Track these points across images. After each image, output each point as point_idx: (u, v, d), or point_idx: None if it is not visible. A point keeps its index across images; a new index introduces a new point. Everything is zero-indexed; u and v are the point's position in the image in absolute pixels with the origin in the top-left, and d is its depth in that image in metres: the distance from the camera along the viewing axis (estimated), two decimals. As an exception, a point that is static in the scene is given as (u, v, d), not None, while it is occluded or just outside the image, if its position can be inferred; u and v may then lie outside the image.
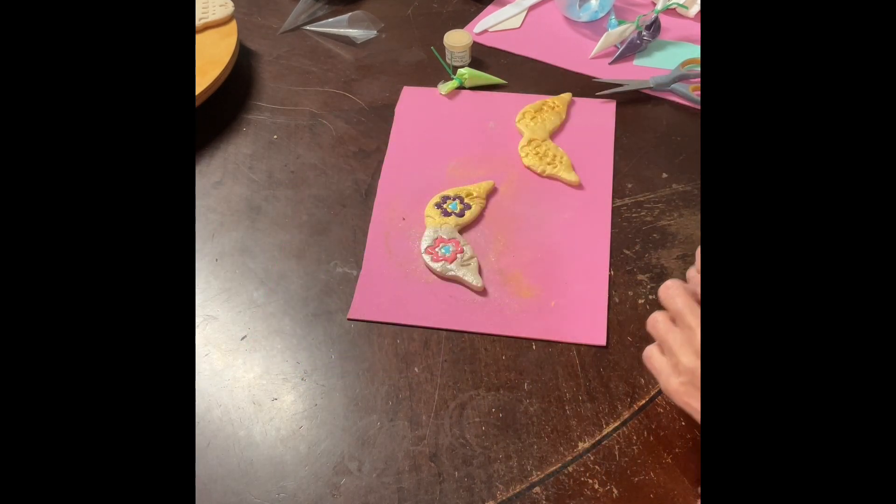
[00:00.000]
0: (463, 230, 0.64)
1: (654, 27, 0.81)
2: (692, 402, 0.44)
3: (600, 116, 0.73)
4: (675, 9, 0.84)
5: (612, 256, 0.62)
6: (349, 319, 0.59)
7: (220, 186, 0.70)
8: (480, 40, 0.83)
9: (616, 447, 0.51)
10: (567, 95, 0.75)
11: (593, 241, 0.63)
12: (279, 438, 0.53)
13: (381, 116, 0.75)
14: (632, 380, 0.54)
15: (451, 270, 0.60)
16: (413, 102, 0.76)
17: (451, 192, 0.66)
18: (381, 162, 0.70)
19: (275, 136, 0.74)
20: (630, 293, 0.59)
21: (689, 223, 0.64)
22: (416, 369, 0.55)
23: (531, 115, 0.73)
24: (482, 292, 0.60)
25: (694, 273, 0.49)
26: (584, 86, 0.77)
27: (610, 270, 0.61)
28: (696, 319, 0.44)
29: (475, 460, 0.51)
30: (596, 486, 0.49)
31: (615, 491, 0.49)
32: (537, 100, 0.74)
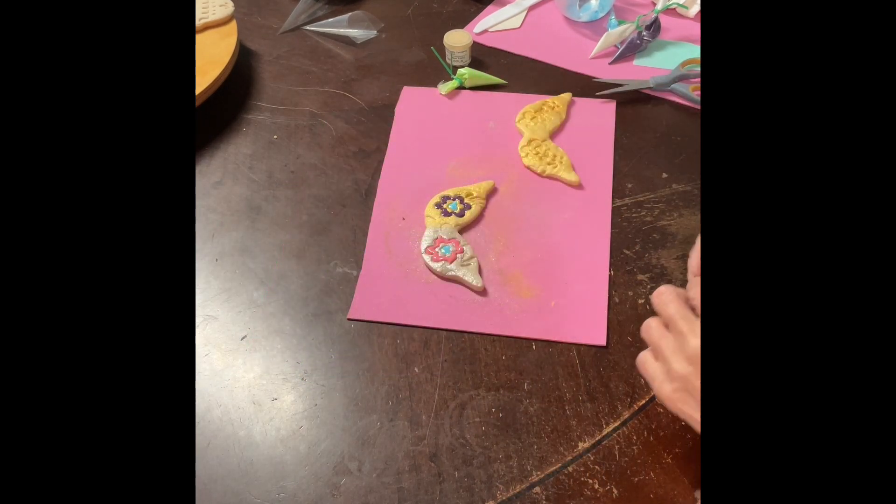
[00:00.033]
0: (463, 230, 0.64)
1: (654, 27, 0.81)
2: (685, 409, 0.44)
3: (600, 116, 0.73)
4: (675, 9, 0.84)
5: (612, 256, 0.62)
6: (349, 319, 0.59)
7: (220, 186, 0.70)
8: (480, 40, 0.83)
9: (616, 447, 0.51)
10: (567, 95, 0.75)
11: (593, 241, 0.63)
12: (279, 438, 0.53)
13: (381, 116, 0.75)
14: (632, 380, 0.54)
15: (451, 270, 0.60)
16: (413, 102, 0.76)
17: (451, 192, 0.66)
18: (381, 162, 0.70)
19: (275, 136, 0.74)
20: (630, 293, 0.59)
21: (689, 223, 0.64)
22: (416, 369, 0.55)
23: (531, 115, 0.73)
24: (482, 292, 0.60)
25: (693, 276, 0.49)
26: (584, 86, 0.77)
27: (610, 270, 0.61)
28: (688, 325, 0.44)
29: (475, 460, 0.51)
30: (596, 486, 0.49)
31: (615, 491, 0.49)
32: (537, 100, 0.74)
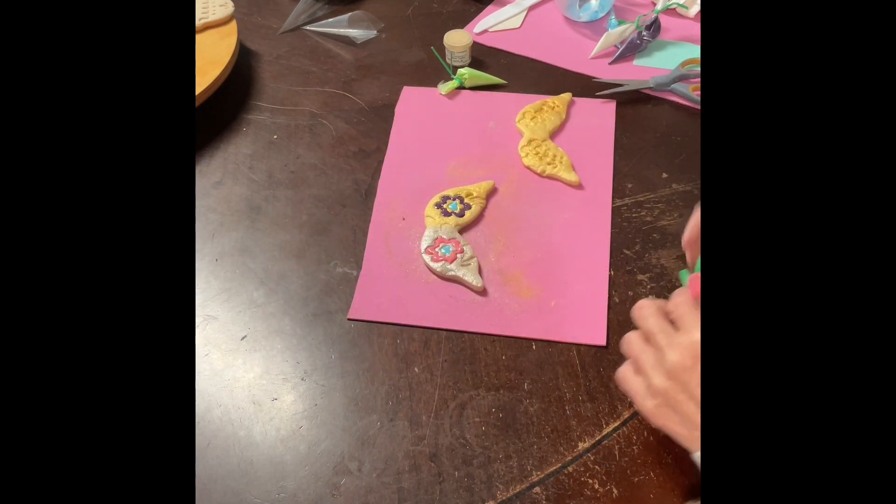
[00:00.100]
0: (463, 230, 0.64)
1: (654, 27, 0.81)
2: (669, 424, 0.44)
3: (600, 116, 0.74)
4: (675, 9, 0.84)
5: (612, 256, 0.62)
6: (349, 319, 0.59)
7: (220, 186, 0.70)
8: (480, 40, 0.83)
9: (616, 447, 0.51)
10: (567, 95, 0.75)
11: (593, 241, 0.63)
12: (279, 438, 0.53)
13: (381, 116, 0.75)
14: (632, 380, 0.54)
15: (451, 270, 0.60)
16: (413, 102, 0.76)
17: (451, 192, 0.66)
18: (381, 162, 0.70)
19: (275, 136, 0.74)
20: (630, 293, 0.59)
21: (689, 223, 0.64)
22: (416, 369, 0.55)
23: (531, 115, 0.73)
24: (482, 292, 0.60)
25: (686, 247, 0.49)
26: (584, 86, 0.77)
27: (610, 270, 0.61)
28: (666, 339, 0.44)
29: (475, 460, 0.51)
30: (596, 486, 0.49)
31: (615, 491, 0.49)
32: (537, 100, 0.74)
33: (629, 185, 0.67)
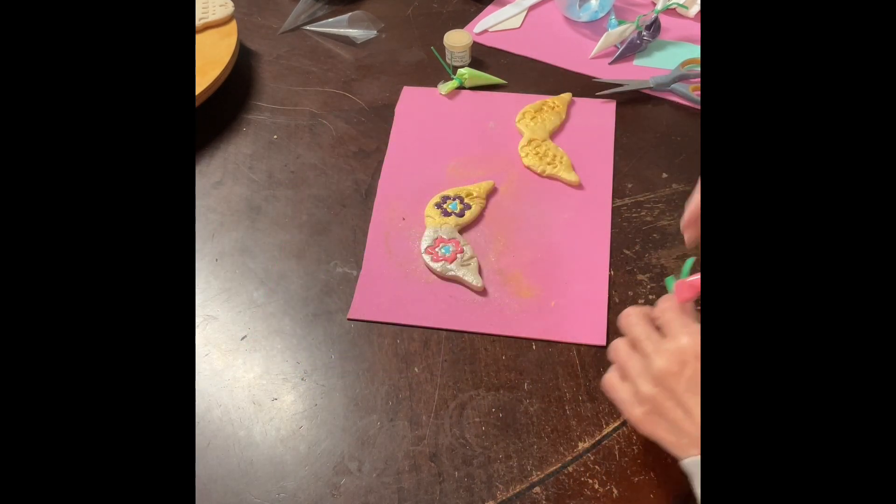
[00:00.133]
0: (463, 230, 0.64)
1: (654, 27, 0.81)
2: (657, 431, 0.44)
3: (600, 116, 0.74)
4: (675, 9, 0.84)
5: (612, 256, 0.62)
6: (349, 319, 0.59)
7: (220, 186, 0.70)
8: (480, 40, 0.83)
9: (616, 447, 0.51)
10: (567, 95, 0.75)
11: (593, 241, 0.63)
12: (279, 438, 0.53)
13: (381, 116, 0.75)
14: (632, 380, 0.54)
15: (451, 270, 0.60)
16: (413, 102, 0.76)
17: (451, 192, 0.66)
18: (381, 162, 0.70)
19: (275, 136, 0.74)
20: (630, 293, 0.59)
21: (689, 223, 0.64)
22: (416, 369, 0.55)
23: (531, 115, 0.73)
24: (482, 292, 0.60)
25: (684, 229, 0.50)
26: (584, 86, 0.77)
27: (610, 270, 0.61)
28: (653, 345, 0.45)
29: (475, 460, 0.51)
30: (596, 486, 0.49)
31: (615, 491, 0.49)
32: (537, 100, 0.74)
33: (629, 185, 0.67)
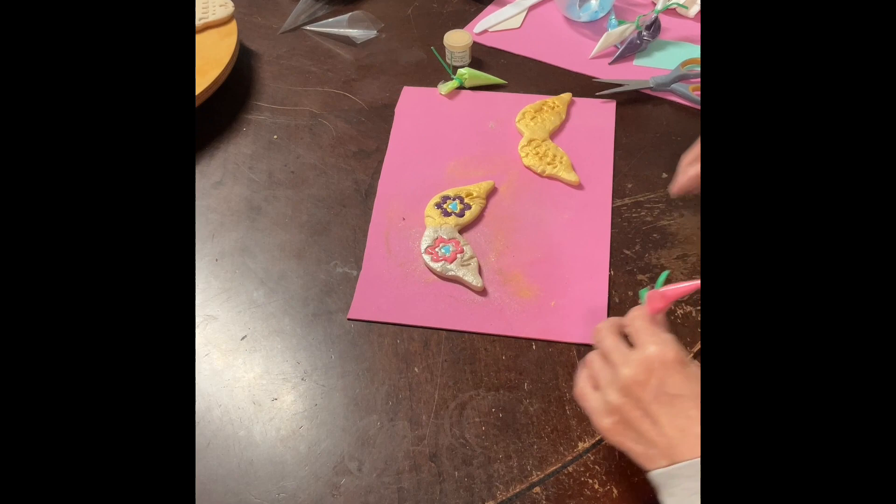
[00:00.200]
0: (463, 230, 0.64)
1: (654, 27, 0.81)
2: (625, 441, 0.44)
3: (600, 116, 0.74)
4: (675, 9, 0.84)
5: (612, 256, 0.62)
6: (349, 319, 0.59)
7: (220, 186, 0.70)
8: (480, 40, 0.83)
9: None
10: (567, 95, 0.75)
11: (593, 241, 0.63)
12: (279, 438, 0.53)
13: (381, 116, 0.75)
14: (632, 380, 0.54)
15: (451, 270, 0.60)
16: (413, 102, 0.76)
17: (451, 192, 0.66)
18: (381, 162, 0.70)
19: (275, 136, 0.74)
20: (630, 293, 0.59)
21: (689, 223, 0.64)
22: (416, 369, 0.55)
23: (531, 115, 0.73)
24: (482, 292, 0.60)
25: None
26: (584, 86, 0.77)
27: (610, 270, 0.61)
28: (621, 356, 0.45)
29: (475, 460, 0.51)
30: (596, 486, 0.49)
31: (615, 491, 0.49)
32: (537, 100, 0.74)
33: (629, 185, 0.67)
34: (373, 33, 0.85)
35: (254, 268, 0.63)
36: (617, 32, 0.80)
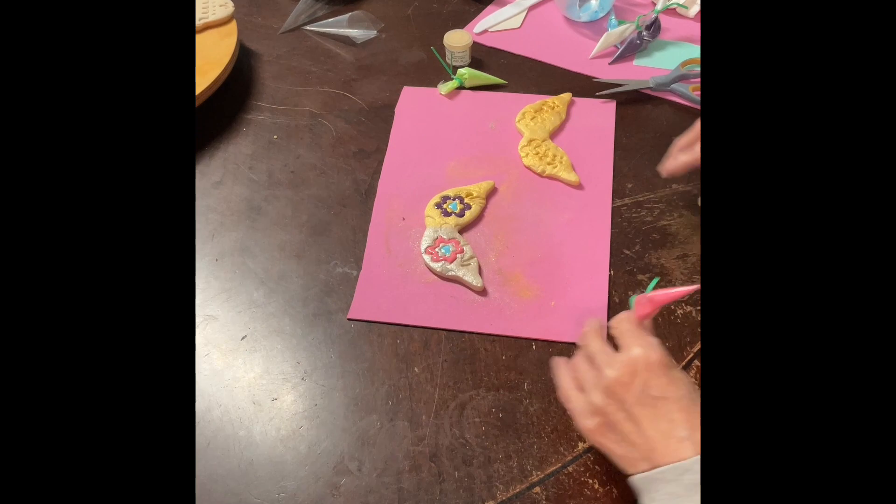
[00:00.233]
0: (463, 230, 0.64)
1: (654, 27, 0.81)
2: (606, 443, 0.45)
3: (600, 116, 0.74)
4: (675, 9, 0.84)
5: (612, 256, 0.62)
6: (349, 319, 0.59)
7: (220, 186, 0.70)
8: (480, 40, 0.83)
9: (616, 447, 0.51)
10: (567, 95, 0.75)
11: (593, 241, 0.63)
12: (279, 438, 0.53)
13: (381, 116, 0.75)
14: (632, 380, 0.54)
15: (451, 270, 0.60)
16: (413, 102, 0.76)
17: (451, 192, 0.66)
18: (381, 162, 0.70)
19: (275, 136, 0.74)
20: (630, 293, 0.59)
21: (689, 223, 0.64)
22: (416, 369, 0.55)
23: (531, 115, 0.73)
24: (482, 292, 0.60)
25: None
26: (584, 86, 0.77)
27: (610, 270, 0.61)
28: (606, 358, 0.46)
29: (475, 460, 0.51)
30: (596, 486, 0.49)
31: (615, 491, 0.49)
32: (537, 100, 0.74)
33: (629, 185, 0.67)
34: (373, 33, 0.85)
35: (254, 268, 0.63)
36: (617, 32, 0.80)
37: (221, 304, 0.60)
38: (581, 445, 0.51)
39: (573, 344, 0.56)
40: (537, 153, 0.69)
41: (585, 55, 0.80)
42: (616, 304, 0.58)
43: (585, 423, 0.45)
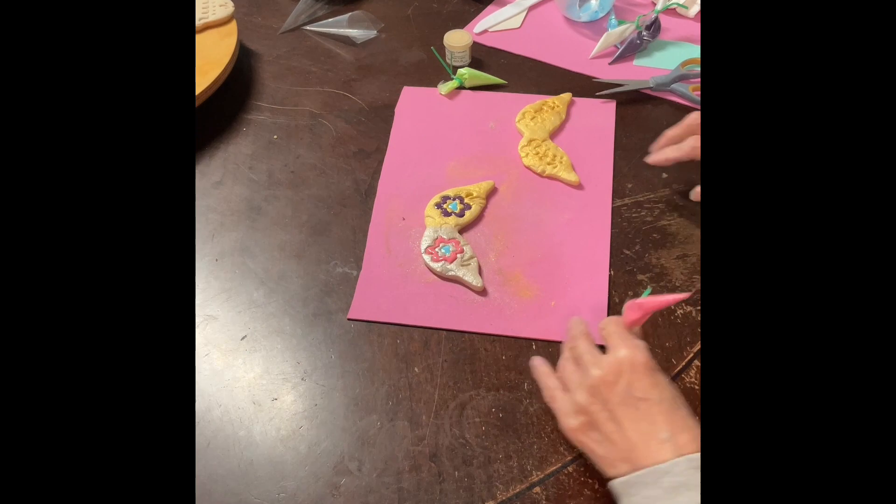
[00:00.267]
0: (463, 230, 0.64)
1: (654, 27, 0.81)
2: (587, 443, 0.45)
3: (600, 116, 0.73)
4: (675, 9, 0.84)
5: (612, 256, 0.62)
6: (349, 319, 0.59)
7: (220, 186, 0.70)
8: (480, 40, 0.83)
9: (616, 447, 0.51)
10: (567, 95, 0.75)
11: (593, 242, 0.63)
12: (279, 438, 0.53)
13: (381, 116, 0.75)
14: (632, 380, 0.54)
15: (451, 270, 0.60)
16: (413, 102, 0.76)
17: (451, 192, 0.66)
18: (381, 162, 0.70)
19: (275, 136, 0.74)
20: (630, 293, 0.59)
21: (689, 223, 0.64)
22: (416, 369, 0.55)
23: (531, 115, 0.73)
24: (482, 292, 0.60)
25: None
26: (584, 86, 0.77)
27: (610, 270, 0.61)
28: (593, 359, 0.46)
29: (475, 460, 0.51)
30: (596, 486, 0.49)
31: (615, 491, 0.49)
32: (537, 100, 0.74)
33: (629, 185, 0.67)
34: (373, 33, 0.85)
35: (254, 268, 0.63)
36: (617, 32, 0.80)
37: (221, 304, 0.60)
38: (581, 445, 0.51)
39: (573, 344, 0.56)
40: (537, 153, 0.69)
41: (585, 55, 0.80)
42: (616, 304, 0.58)
43: (569, 422, 0.46)
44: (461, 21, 0.86)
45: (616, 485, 0.43)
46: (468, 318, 0.58)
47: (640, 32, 0.80)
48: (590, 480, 0.49)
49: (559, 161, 0.68)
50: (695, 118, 0.61)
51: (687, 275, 0.60)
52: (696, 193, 0.63)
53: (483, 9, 0.88)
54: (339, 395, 0.54)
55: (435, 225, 0.64)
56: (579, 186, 0.67)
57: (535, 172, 0.69)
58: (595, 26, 0.84)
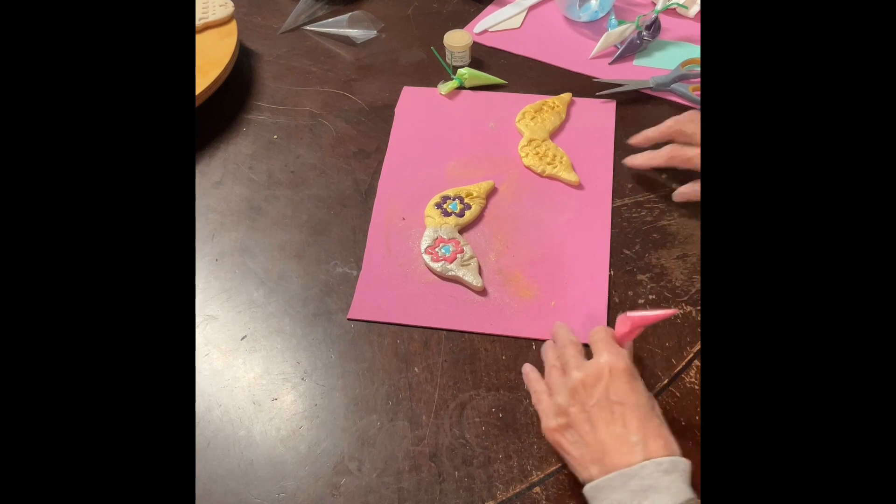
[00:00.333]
0: (463, 230, 0.64)
1: (654, 27, 0.81)
2: (563, 444, 0.46)
3: (600, 116, 0.73)
4: (675, 9, 0.84)
5: (612, 256, 0.62)
6: (349, 319, 0.59)
7: (220, 186, 0.70)
8: (480, 40, 0.83)
9: (616, 447, 0.51)
10: (567, 95, 0.75)
11: (593, 242, 0.63)
12: (279, 438, 0.53)
13: (381, 116, 0.75)
14: (632, 380, 0.54)
15: (451, 270, 0.60)
16: (413, 102, 0.76)
17: (451, 192, 0.66)
18: (381, 162, 0.70)
19: (275, 136, 0.74)
20: (630, 293, 0.59)
21: (689, 223, 0.64)
22: (416, 369, 0.55)
23: (531, 115, 0.73)
24: (482, 292, 0.60)
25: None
26: (584, 86, 0.77)
27: (610, 270, 0.61)
28: (576, 363, 0.47)
29: (475, 460, 0.51)
30: (596, 486, 0.49)
31: (615, 491, 0.49)
32: (537, 100, 0.74)
33: (629, 185, 0.67)
34: (373, 33, 0.85)
35: (254, 268, 0.63)
36: (617, 32, 0.80)
37: (221, 304, 0.60)
38: (581, 445, 0.51)
39: (573, 344, 0.56)
40: (537, 153, 0.69)
41: (585, 55, 0.80)
42: (616, 304, 0.58)
43: (549, 422, 0.47)
44: (461, 21, 0.86)
45: (586, 490, 0.44)
46: (468, 318, 0.58)
47: (640, 32, 0.80)
48: (590, 480, 0.49)
49: (559, 161, 0.68)
50: (673, 122, 0.62)
51: (687, 275, 0.60)
52: (679, 194, 0.63)
53: (483, 9, 0.88)
54: (339, 395, 0.54)
55: (435, 225, 0.64)
56: (579, 186, 0.67)
57: (535, 172, 0.69)
58: (595, 26, 0.84)
